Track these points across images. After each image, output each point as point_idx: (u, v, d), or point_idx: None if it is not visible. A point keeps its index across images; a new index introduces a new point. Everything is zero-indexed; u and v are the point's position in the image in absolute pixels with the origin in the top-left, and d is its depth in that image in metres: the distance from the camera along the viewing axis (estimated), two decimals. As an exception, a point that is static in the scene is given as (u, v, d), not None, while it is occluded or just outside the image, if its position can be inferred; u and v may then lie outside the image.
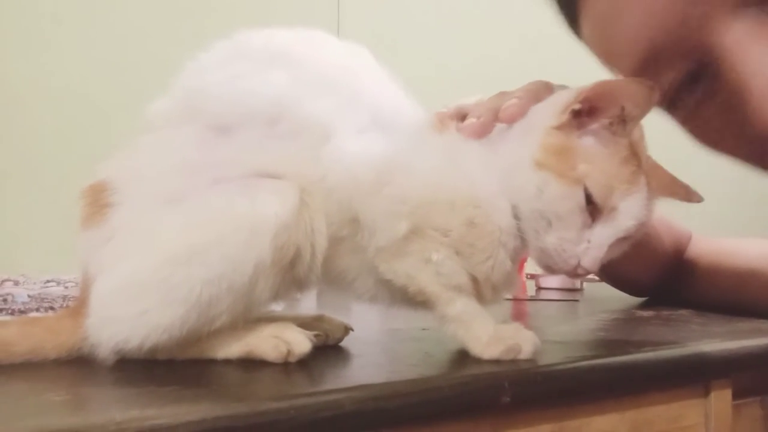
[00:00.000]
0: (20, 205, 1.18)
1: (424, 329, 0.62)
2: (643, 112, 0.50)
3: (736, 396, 0.60)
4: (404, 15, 1.52)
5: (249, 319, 0.49)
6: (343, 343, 0.56)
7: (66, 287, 0.87)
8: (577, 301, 0.97)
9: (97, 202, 0.49)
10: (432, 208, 0.50)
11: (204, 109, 0.51)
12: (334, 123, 0.50)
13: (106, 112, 1.21)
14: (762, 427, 0.64)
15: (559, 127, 0.50)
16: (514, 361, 0.48)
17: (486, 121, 0.53)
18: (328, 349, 0.54)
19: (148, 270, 0.46)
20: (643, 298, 0.93)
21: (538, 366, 0.48)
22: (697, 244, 0.87)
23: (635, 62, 0.49)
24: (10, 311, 0.69)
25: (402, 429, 0.42)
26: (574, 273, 0.51)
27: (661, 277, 0.87)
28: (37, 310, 0.69)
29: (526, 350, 0.49)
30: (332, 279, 0.53)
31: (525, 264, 0.86)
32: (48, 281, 0.92)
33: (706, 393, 0.59)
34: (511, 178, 0.51)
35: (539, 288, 1.12)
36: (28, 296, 0.77)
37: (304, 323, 0.52)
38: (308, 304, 0.79)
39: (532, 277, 1.16)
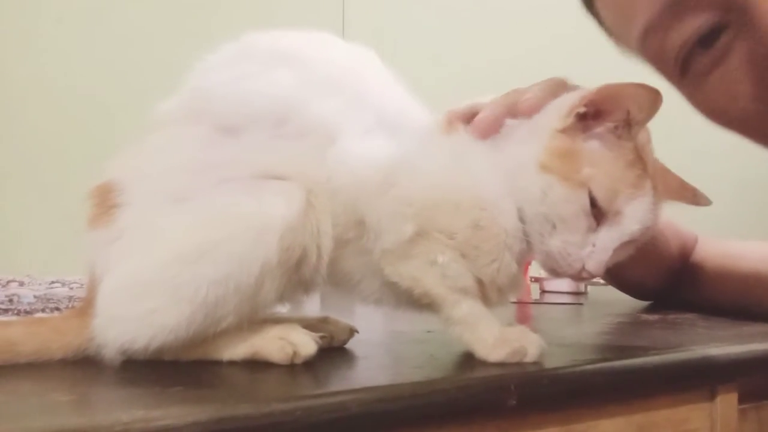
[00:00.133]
0: (24, 206, 1.19)
1: (428, 332, 0.61)
2: (648, 116, 0.50)
3: (741, 400, 0.60)
4: (409, 16, 1.53)
5: (255, 320, 0.49)
6: (348, 345, 0.56)
7: (71, 288, 0.87)
8: (581, 304, 0.97)
9: (105, 202, 0.49)
10: (438, 210, 0.50)
11: (211, 110, 0.51)
12: (340, 124, 0.50)
13: (109, 111, 1.22)
14: (768, 431, 0.64)
15: (564, 130, 0.50)
16: (519, 364, 0.48)
17: (497, 116, 0.52)
18: (333, 351, 0.54)
19: (155, 269, 0.46)
20: (648, 302, 0.93)
21: (544, 369, 0.48)
22: (702, 248, 0.87)
23: (658, 6, 0.48)
24: (16, 311, 0.69)
25: (407, 431, 0.42)
26: (579, 276, 0.51)
27: (667, 281, 0.87)
28: (43, 310, 0.70)
29: (531, 353, 0.49)
30: (338, 281, 0.53)
31: (529, 267, 0.86)
32: (53, 282, 0.92)
33: (712, 397, 0.58)
34: (516, 180, 0.51)
35: (544, 291, 1.12)
36: (34, 297, 0.77)
37: (310, 325, 0.52)
38: (312, 306, 0.79)
39: (537, 280, 1.15)
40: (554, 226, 0.50)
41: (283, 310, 0.62)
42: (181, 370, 0.46)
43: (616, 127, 0.50)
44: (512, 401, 0.45)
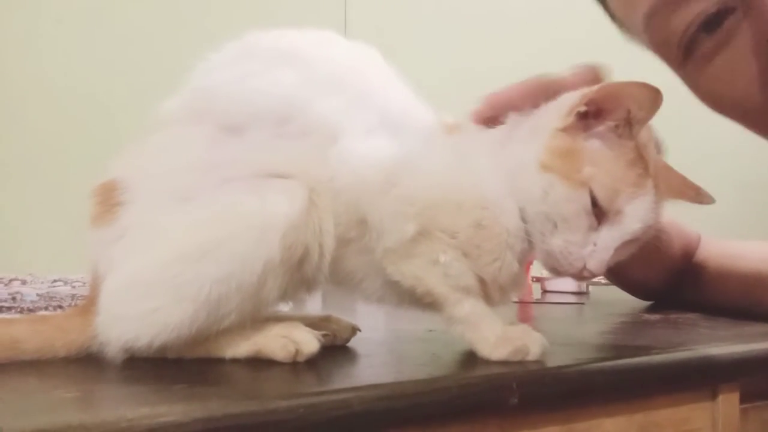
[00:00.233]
0: (26, 205, 1.19)
1: (430, 330, 0.62)
2: (649, 115, 0.50)
3: (743, 400, 0.60)
4: (411, 15, 1.53)
5: (257, 318, 0.49)
6: (350, 344, 0.56)
7: (73, 287, 0.88)
8: (583, 304, 0.97)
9: (108, 200, 0.49)
10: (440, 209, 0.50)
11: (214, 109, 0.51)
12: (342, 123, 0.51)
13: (109, 111, 1.22)
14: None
15: (565, 129, 0.50)
16: (522, 363, 0.48)
17: (528, 89, 0.52)
18: (336, 349, 0.54)
19: (158, 267, 0.46)
20: (650, 302, 0.93)
21: (546, 367, 0.48)
22: (705, 247, 0.87)
23: None
24: (19, 309, 0.69)
25: (410, 429, 0.42)
26: (580, 276, 0.51)
27: (670, 280, 0.87)
28: (46, 308, 0.70)
29: (534, 352, 0.49)
30: (340, 279, 0.53)
31: (531, 267, 0.86)
32: (55, 281, 0.93)
33: (714, 396, 0.58)
34: (517, 180, 0.51)
35: (545, 291, 1.12)
36: (37, 295, 0.77)
37: (312, 323, 0.52)
38: (314, 305, 0.79)
39: (539, 280, 1.15)
40: (555, 226, 0.50)
41: (285, 308, 0.62)
42: (184, 368, 0.46)
43: (616, 126, 0.50)
44: (514, 400, 0.45)
